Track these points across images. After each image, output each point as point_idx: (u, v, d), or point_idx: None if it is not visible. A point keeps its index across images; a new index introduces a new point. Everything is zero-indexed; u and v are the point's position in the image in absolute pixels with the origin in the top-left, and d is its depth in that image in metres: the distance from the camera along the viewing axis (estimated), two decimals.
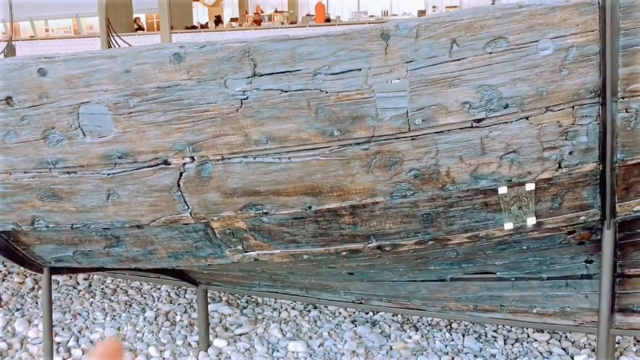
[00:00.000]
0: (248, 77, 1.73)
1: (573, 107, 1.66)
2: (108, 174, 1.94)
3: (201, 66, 1.74)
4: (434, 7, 23.76)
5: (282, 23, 20.40)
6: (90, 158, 1.91)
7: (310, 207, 1.93)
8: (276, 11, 24.39)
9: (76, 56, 1.81)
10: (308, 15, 21.68)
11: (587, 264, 2.22)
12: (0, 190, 2.08)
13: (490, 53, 1.62)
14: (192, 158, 1.87)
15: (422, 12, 21.14)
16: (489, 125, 1.70)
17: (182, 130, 1.82)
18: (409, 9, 24.50)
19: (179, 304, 3.49)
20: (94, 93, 1.81)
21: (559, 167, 1.76)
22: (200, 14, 28.77)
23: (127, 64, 1.77)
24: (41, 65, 1.82)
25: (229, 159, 1.86)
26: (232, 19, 22.75)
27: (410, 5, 25.34)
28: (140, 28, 20.10)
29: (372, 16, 21.72)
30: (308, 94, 1.73)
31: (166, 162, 1.89)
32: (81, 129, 1.87)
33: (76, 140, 1.88)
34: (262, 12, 24.64)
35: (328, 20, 19.51)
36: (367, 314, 3.27)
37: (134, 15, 20.60)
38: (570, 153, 1.73)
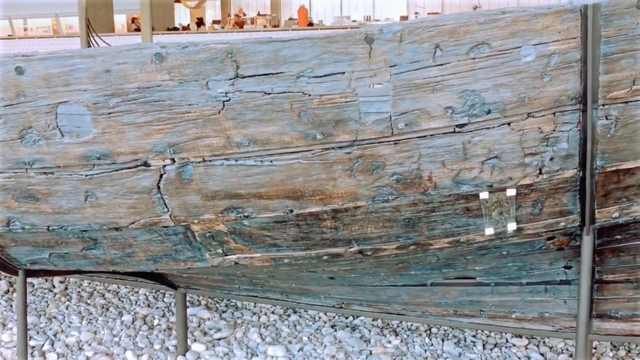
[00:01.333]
0: (230, 79, 1.72)
1: (554, 113, 1.68)
2: (86, 175, 1.91)
3: (183, 67, 1.72)
4: (416, 13, 23.94)
5: (265, 26, 20.37)
6: (68, 159, 1.87)
7: (291, 211, 1.92)
8: (259, 14, 24.36)
9: (55, 55, 1.77)
10: (291, 19, 21.69)
11: (566, 270, 2.24)
12: None
13: (474, 58, 1.63)
14: (173, 160, 1.85)
15: (404, 18, 21.29)
16: (472, 131, 1.71)
17: (163, 131, 1.79)
18: (392, 15, 24.67)
19: (157, 308, 3.45)
20: (73, 93, 1.78)
21: (540, 173, 1.77)
22: (182, 16, 28.61)
23: (107, 64, 1.74)
24: (19, 64, 1.79)
25: (210, 161, 1.84)
26: (215, 21, 22.65)
27: (393, 11, 25.52)
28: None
29: (355, 21, 21.81)
30: (291, 97, 1.72)
31: (146, 164, 1.87)
32: (59, 129, 1.84)
33: (54, 140, 1.85)
34: (244, 14, 24.60)
35: (311, 24, 19.54)
36: (347, 318, 3.26)
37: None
38: (551, 159, 1.74)
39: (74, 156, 1.87)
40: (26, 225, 2.09)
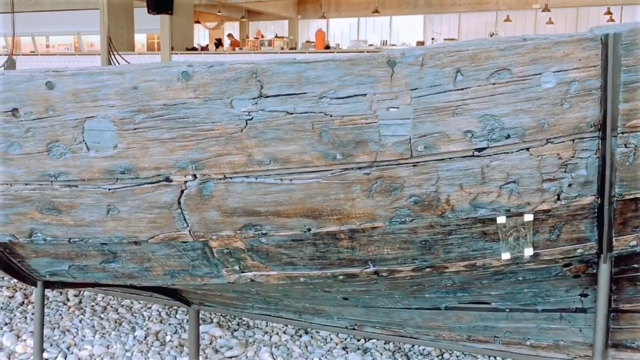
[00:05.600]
0: (254, 98, 1.75)
1: (573, 140, 1.69)
2: (109, 189, 1.94)
3: (208, 85, 1.76)
4: (432, 38, 24.12)
5: (282, 48, 20.62)
6: (93, 172, 1.91)
7: (309, 230, 1.94)
8: (276, 36, 24.68)
9: (85, 71, 1.82)
10: (308, 41, 21.95)
11: (582, 298, 2.22)
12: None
13: (494, 84, 1.65)
14: (194, 176, 1.88)
15: (420, 43, 21.44)
16: (490, 155, 1.73)
17: (186, 148, 1.83)
18: (408, 40, 24.86)
19: (169, 324, 3.46)
20: (101, 108, 1.82)
21: (558, 199, 1.78)
22: (201, 37, 29.06)
23: (135, 81, 1.78)
24: (49, 79, 1.84)
25: (230, 178, 1.87)
26: (233, 43, 22.97)
27: (410, 36, 25.73)
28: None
29: (372, 45, 22.01)
30: (313, 117, 1.75)
31: (168, 179, 1.90)
32: (85, 143, 1.88)
33: (80, 154, 1.89)
34: (262, 36, 24.94)
35: (327, 47, 19.75)
36: (358, 340, 3.24)
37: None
38: (570, 185, 1.75)
39: (99, 170, 1.91)
40: (48, 237, 2.12)
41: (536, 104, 1.65)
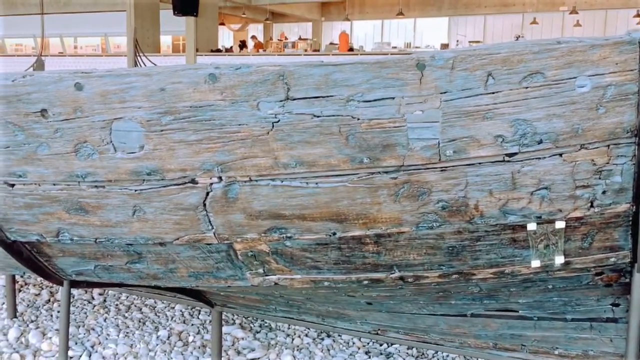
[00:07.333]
0: (281, 101, 1.74)
1: (608, 146, 1.64)
2: (135, 190, 1.95)
3: (235, 87, 1.75)
4: (457, 41, 23.92)
5: (306, 50, 20.64)
6: (120, 173, 1.92)
7: (334, 234, 1.92)
8: (300, 38, 24.73)
9: (113, 72, 1.83)
10: (331, 43, 21.93)
11: (614, 307, 2.17)
12: (28, 201, 2.09)
13: (526, 87, 1.61)
14: (220, 178, 1.87)
15: (445, 45, 21.29)
16: (522, 160, 1.69)
17: (212, 150, 1.82)
18: (432, 42, 24.70)
19: (192, 325, 3.46)
20: (128, 109, 1.82)
21: (591, 206, 1.73)
22: (226, 38, 29.26)
23: (162, 82, 1.78)
24: (78, 80, 1.85)
25: (256, 181, 1.86)
26: (257, 44, 23.07)
27: (434, 38, 25.56)
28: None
29: (395, 47, 21.92)
30: (340, 120, 1.73)
31: (194, 181, 1.89)
32: (112, 144, 1.88)
33: (107, 155, 1.90)
34: (286, 38, 25.01)
35: (351, 49, 19.71)
36: (381, 345, 3.21)
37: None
38: (604, 192, 1.70)
39: (125, 171, 1.91)
40: (75, 237, 2.14)
41: (570, 109, 1.61)
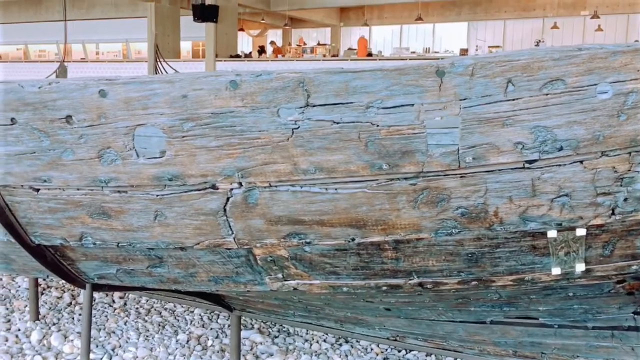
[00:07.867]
0: (301, 107, 1.75)
1: (630, 153, 1.63)
2: (157, 195, 1.98)
3: (256, 94, 1.77)
4: (476, 46, 23.80)
5: (324, 55, 20.70)
6: (142, 178, 1.95)
7: (353, 239, 1.93)
8: (319, 44, 24.81)
9: (136, 79, 1.86)
10: (350, 49, 21.97)
11: (635, 316, 2.14)
12: (52, 206, 2.13)
13: (547, 94, 1.60)
14: (240, 184, 1.89)
15: (464, 51, 21.19)
16: (542, 167, 1.68)
17: (233, 156, 1.84)
18: (451, 47, 24.60)
19: (211, 329, 3.49)
20: (151, 116, 1.85)
21: (613, 213, 1.71)
22: (245, 44, 29.46)
23: (184, 89, 1.81)
24: (102, 87, 1.88)
25: (276, 186, 1.87)
26: (276, 50, 23.20)
27: (453, 43, 25.47)
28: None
29: (414, 52, 21.88)
30: (359, 127, 1.74)
31: (214, 187, 1.92)
32: (135, 150, 1.92)
33: (130, 160, 1.93)
34: (304, 44, 25.11)
35: (370, 54, 19.72)
36: (399, 351, 3.20)
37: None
38: (625, 200, 1.69)
39: (147, 176, 1.94)
40: (97, 241, 2.17)
41: (591, 116, 1.60)
